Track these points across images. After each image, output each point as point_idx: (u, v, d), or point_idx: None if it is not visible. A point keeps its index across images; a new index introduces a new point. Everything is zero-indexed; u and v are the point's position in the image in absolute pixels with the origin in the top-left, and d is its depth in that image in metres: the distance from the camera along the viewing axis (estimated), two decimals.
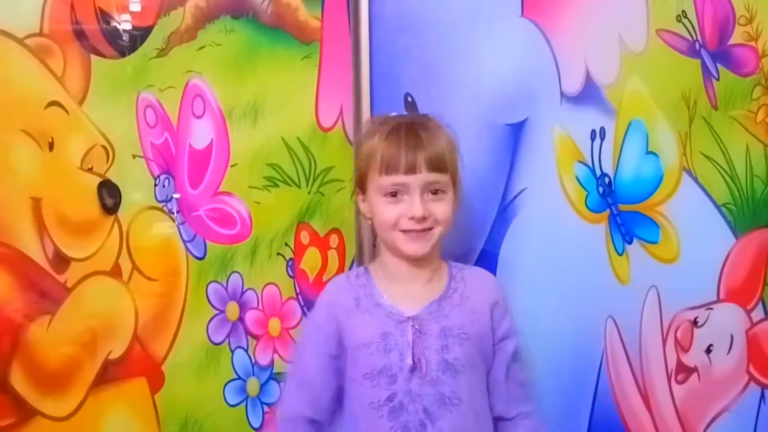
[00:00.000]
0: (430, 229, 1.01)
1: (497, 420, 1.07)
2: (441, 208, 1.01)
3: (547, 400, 1.16)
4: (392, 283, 1.05)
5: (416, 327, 1.00)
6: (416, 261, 1.04)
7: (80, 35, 1.15)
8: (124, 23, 1.17)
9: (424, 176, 0.99)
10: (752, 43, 1.08)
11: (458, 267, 1.09)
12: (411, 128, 1.02)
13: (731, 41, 1.09)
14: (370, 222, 1.08)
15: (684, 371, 1.13)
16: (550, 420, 1.15)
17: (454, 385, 1.00)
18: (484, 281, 1.09)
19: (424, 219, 0.99)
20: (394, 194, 1.00)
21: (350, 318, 1.03)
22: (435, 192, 1.00)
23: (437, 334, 1.01)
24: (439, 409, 0.99)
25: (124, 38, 1.17)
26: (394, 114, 1.09)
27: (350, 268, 1.30)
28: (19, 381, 1.12)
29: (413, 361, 0.99)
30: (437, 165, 1.00)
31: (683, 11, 1.10)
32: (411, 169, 0.98)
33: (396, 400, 0.99)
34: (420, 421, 0.99)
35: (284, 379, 1.10)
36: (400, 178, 0.99)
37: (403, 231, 1.00)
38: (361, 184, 1.06)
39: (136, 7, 1.18)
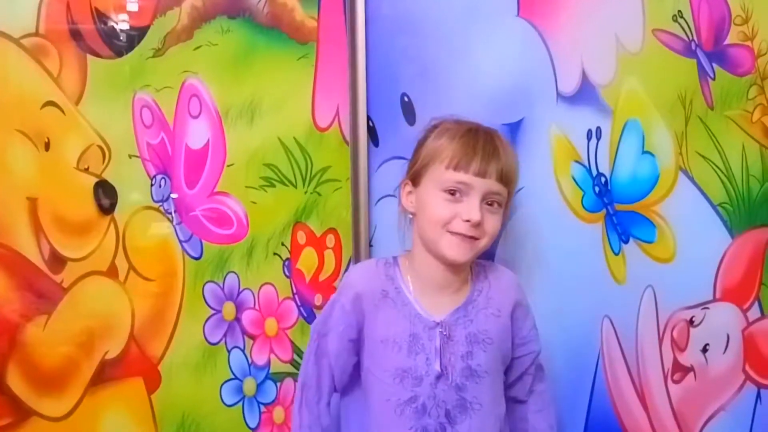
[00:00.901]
0: (477, 239, 0.99)
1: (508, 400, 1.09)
2: (493, 221, 0.99)
3: None
4: (418, 279, 1.04)
5: (445, 333, 0.99)
6: (452, 266, 1.02)
7: (76, 35, 1.14)
8: (120, 23, 1.17)
9: (491, 183, 0.98)
10: (748, 43, 1.08)
11: (481, 265, 1.08)
12: (488, 135, 1.01)
13: (727, 41, 1.09)
14: (407, 216, 1.05)
15: (680, 371, 1.13)
16: None
17: (476, 391, 1.00)
18: (508, 282, 1.08)
19: (478, 225, 0.97)
20: (452, 192, 0.98)
21: (377, 310, 1.01)
22: (491, 203, 0.99)
23: (463, 341, 1.00)
24: (461, 413, 0.99)
25: (120, 38, 1.17)
26: (457, 118, 1.06)
27: (347, 268, 1.30)
28: (15, 381, 1.12)
29: (441, 368, 0.98)
30: (505, 177, 0.99)
31: (679, 11, 1.10)
32: (481, 173, 0.97)
33: (418, 402, 0.99)
34: (440, 425, 0.99)
35: (307, 347, 1.08)
36: (468, 178, 0.97)
37: (452, 233, 0.98)
38: (415, 176, 1.03)
39: (132, 6, 1.18)
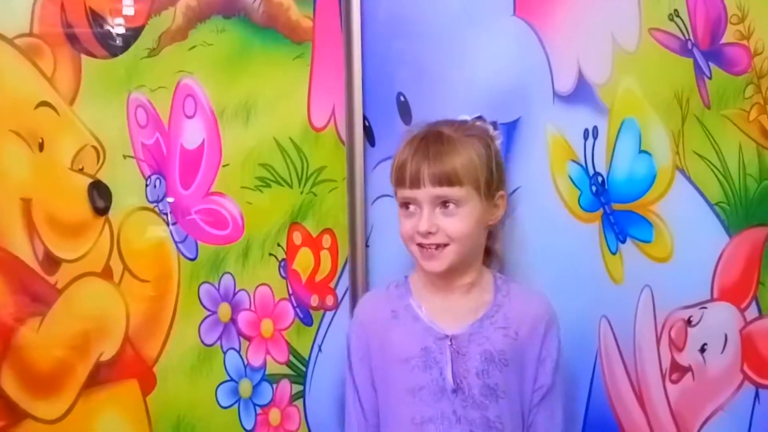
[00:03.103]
0: (445, 246, 0.97)
1: None
2: (453, 224, 0.97)
3: None
4: (430, 294, 1.03)
5: (454, 347, 0.98)
6: (446, 272, 1.00)
7: (70, 35, 1.14)
8: (114, 23, 1.17)
9: (429, 191, 0.96)
10: (744, 42, 1.08)
11: (504, 280, 1.05)
12: (429, 139, 0.99)
13: (723, 40, 1.09)
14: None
15: (678, 371, 1.13)
16: None
17: (497, 410, 0.98)
18: (533, 304, 1.03)
19: (430, 234, 0.96)
20: (406, 206, 0.99)
21: (388, 332, 1.01)
22: (446, 205, 0.97)
23: (478, 358, 0.98)
24: None
25: (114, 38, 1.17)
26: (422, 125, 1.05)
27: (343, 268, 1.30)
28: (9, 383, 1.11)
29: (454, 381, 0.97)
30: (444, 179, 0.96)
31: (675, 10, 1.10)
32: (414, 183, 0.96)
33: (444, 420, 0.98)
34: None
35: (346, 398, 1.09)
36: (408, 192, 0.97)
37: (419, 245, 0.98)
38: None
39: (126, 6, 1.18)
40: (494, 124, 1.09)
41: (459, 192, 0.97)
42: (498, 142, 1.07)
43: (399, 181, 0.99)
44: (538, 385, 1.02)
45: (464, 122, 1.05)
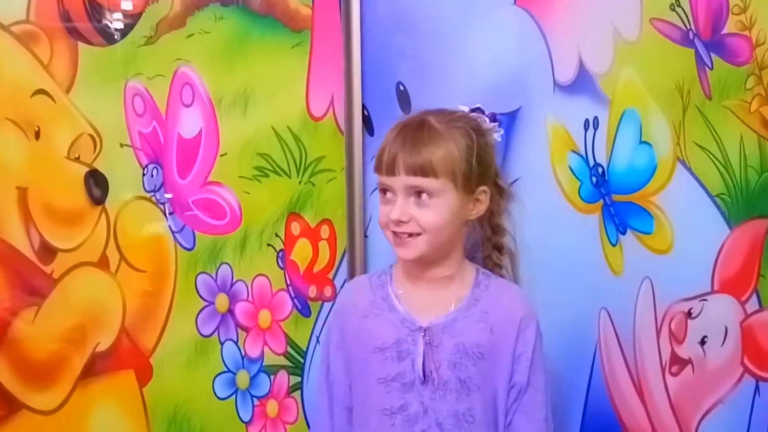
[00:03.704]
0: (417, 235, 0.96)
1: None
2: (425, 215, 0.95)
3: None
4: (410, 284, 1.02)
5: (427, 339, 0.98)
6: (420, 262, 1.00)
7: (67, 23, 1.13)
8: (112, 10, 1.16)
9: (402, 179, 0.95)
10: (746, 33, 1.08)
11: (486, 275, 1.04)
12: (411, 127, 0.98)
13: (725, 30, 1.08)
14: None
15: (678, 363, 1.12)
16: None
17: (468, 403, 0.98)
18: (511, 298, 1.02)
19: (401, 222, 0.96)
20: (384, 192, 0.98)
21: (365, 320, 1.01)
22: (419, 196, 0.95)
23: (451, 350, 0.98)
24: (453, 426, 0.98)
25: (111, 26, 1.16)
26: (428, 109, 1.02)
27: (341, 259, 1.29)
28: (4, 374, 1.11)
29: (424, 373, 0.97)
30: (418, 169, 0.94)
31: (677, 0, 1.10)
32: (390, 171, 0.95)
33: (410, 410, 0.98)
34: None
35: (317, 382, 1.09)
36: (384, 179, 0.97)
37: (393, 233, 0.98)
38: None
39: None
40: (492, 117, 1.07)
41: (434, 183, 0.95)
42: (495, 136, 1.05)
43: (377, 167, 0.98)
44: (513, 383, 1.00)
45: (453, 113, 1.02)
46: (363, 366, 1.01)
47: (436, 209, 0.96)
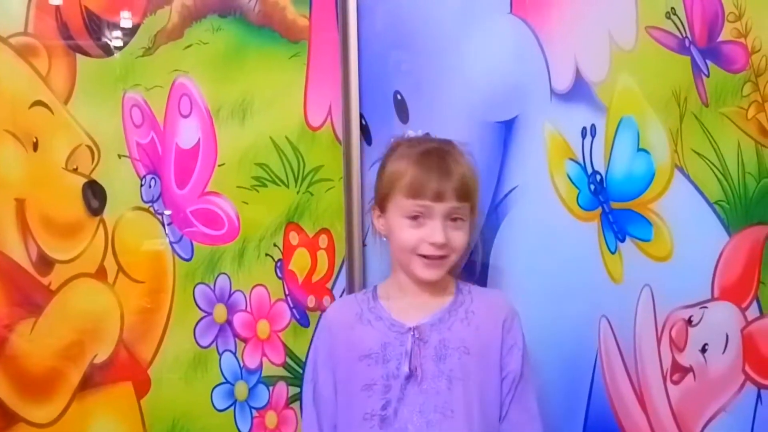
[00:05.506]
0: (447, 256, 1.02)
1: None
2: (458, 237, 1.02)
3: (541, 400, 1.14)
4: (398, 296, 1.06)
5: (417, 336, 1.01)
6: (428, 283, 1.05)
7: (65, 34, 1.14)
8: (110, 22, 1.16)
9: (450, 204, 1.00)
10: (741, 40, 1.08)
11: (465, 283, 1.10)
12: (441, 155, 1.03)
13: (720, 38, 1.08)
14: (384, 239, 1.09)
15: (679, 371, 1.11)
16: (545, 420, 1.13)
17: (447, 396, 1.00)
18: (493, 299, 1.09)
19: (444, 246, 1.00)
20: (415, 217, 1.01)
21: (352, 331, 1.04)
22: (454, 220, 1.02)
23: (436, 345, 1.02)
24: (431, 418, 1.00)
25: (109, 37, 1.16)
26: (413, 135, 1.10)
27: (340, 268, 1.29)
28: (1, 387, 1.10)
29: (410, 369, 1.00)
30: (462, 194, 1.01)
31: (672, 8, 1.10)
32: (438, 197, 1.00)
33: (389, 409, 1.00)
34: (413, 427, 0.99)
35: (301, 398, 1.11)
36: (426, 203, 1.00)
37: (421, 255, 1.02)
38: (381, 203, 1.06)
39: (122, 5, 1.17)
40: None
41: (466, 207, 1.03)
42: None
43: (418, 192, 1.00)
44: (507, 372, 1.04)
45: (449, 141, 1.07)
46: (348, 375, 1.03)
47: (465, 231, 1.04)
